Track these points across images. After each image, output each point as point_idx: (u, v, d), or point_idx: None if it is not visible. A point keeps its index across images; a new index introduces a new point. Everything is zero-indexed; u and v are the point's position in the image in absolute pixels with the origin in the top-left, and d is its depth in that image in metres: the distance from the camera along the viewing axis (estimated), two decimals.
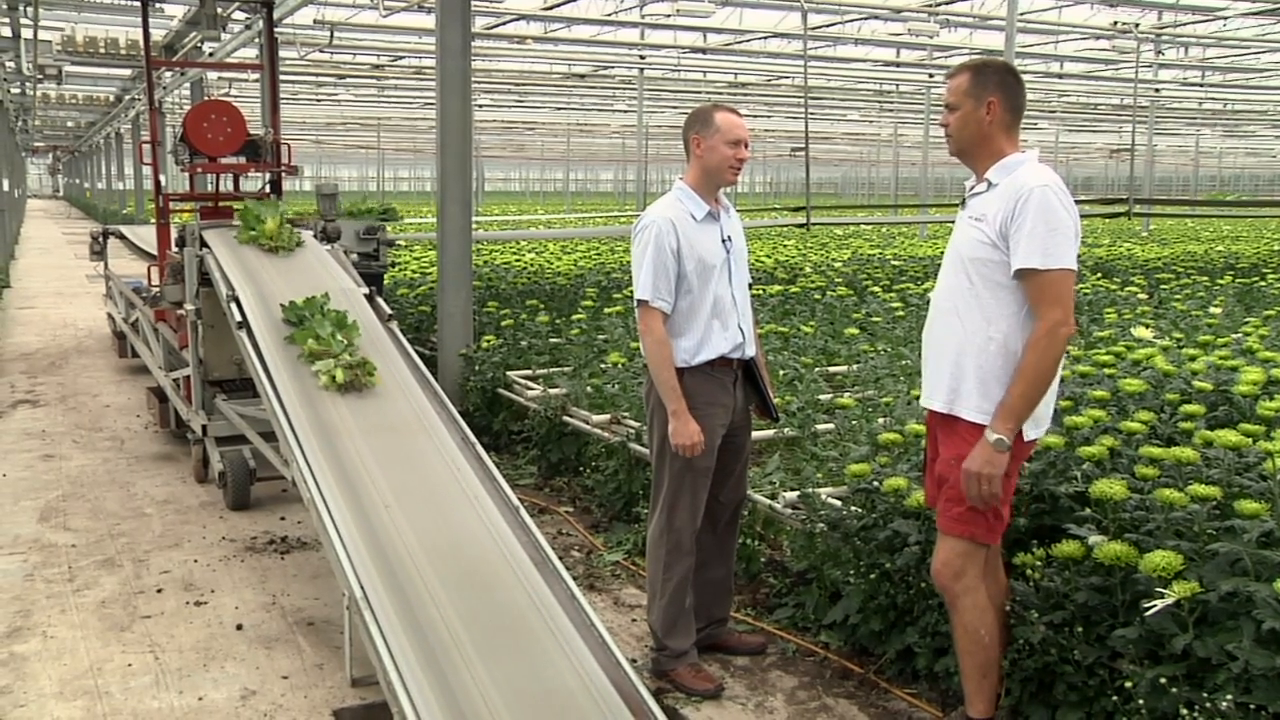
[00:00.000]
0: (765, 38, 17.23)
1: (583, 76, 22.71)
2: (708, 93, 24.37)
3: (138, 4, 7.76)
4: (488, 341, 7.26)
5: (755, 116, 31.86)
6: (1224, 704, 2.67)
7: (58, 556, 5.03)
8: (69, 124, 37.14)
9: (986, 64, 3.16)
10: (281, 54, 12.53)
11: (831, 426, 5.26)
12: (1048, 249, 2.90)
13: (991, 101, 3.05)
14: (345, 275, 5.69)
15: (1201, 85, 23.27)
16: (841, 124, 37.90)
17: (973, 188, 3.15)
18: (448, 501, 3.97)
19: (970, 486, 2.98)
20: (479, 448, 4.36)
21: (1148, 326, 6.86)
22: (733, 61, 20.80)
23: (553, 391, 6.27)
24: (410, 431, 4.40)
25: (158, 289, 7.13)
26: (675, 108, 29.07)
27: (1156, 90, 22.91)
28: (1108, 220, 23.78)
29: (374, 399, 4.56)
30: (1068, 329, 2.92)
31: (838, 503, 4.14)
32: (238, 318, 5.05)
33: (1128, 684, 2.91)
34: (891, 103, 28.38)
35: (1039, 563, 3.26)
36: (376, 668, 3.26)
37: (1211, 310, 8.08)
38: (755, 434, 4.49)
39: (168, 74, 18.06)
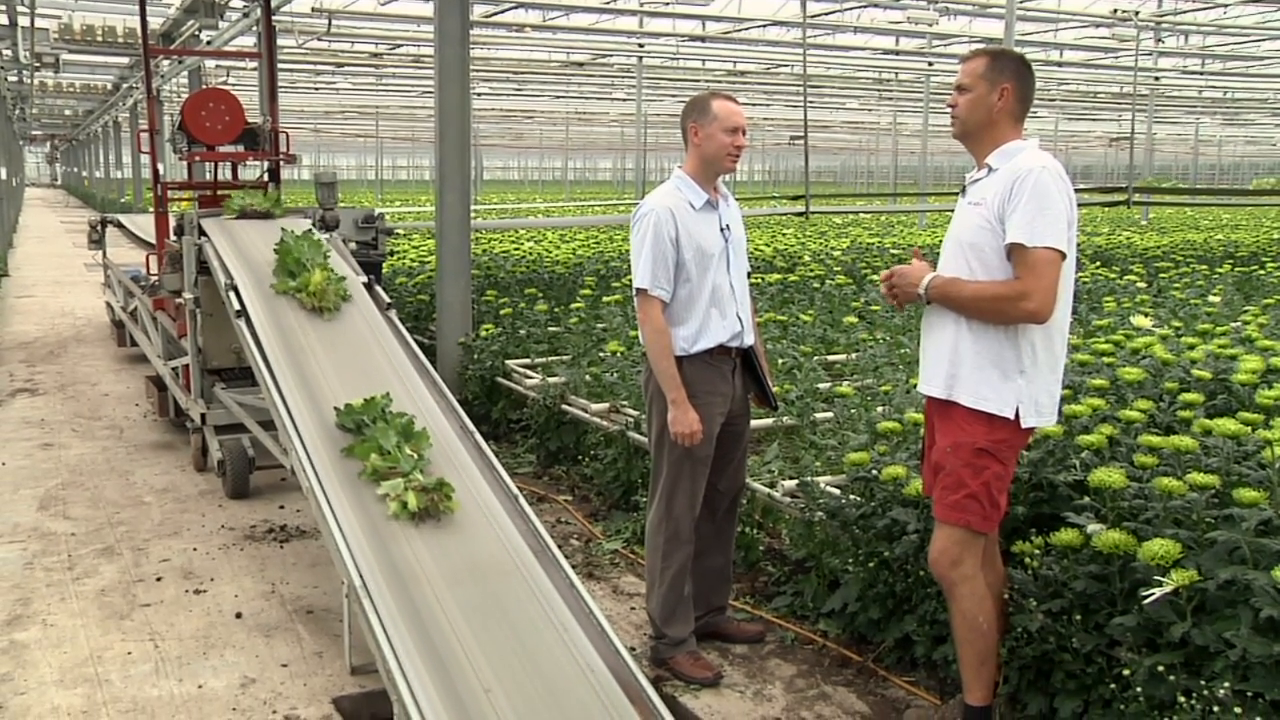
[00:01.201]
0: (764, 25, 17.17)
1: (581, 65, 22.64)
2: (706, 81, 24.31)
3: None
4: (486, 330, 7.26)
5: (754, 105, 31.78)
6: (1221, 691, 2.67)
7: (57, 545, 5.04)
8: (67, 112, 37.05)
9: (1004, 51, 3.19)
10: (279, 42, 12.51)
11: (830, 415, 5.27)
12: (1035, 227, 2.90)
13: (1005, 88, 3.06)
14: (347, 267, 5.68)
15: (1201, 73, 23.21)
16: (840, 112, 37.82)
17: (973, 175, 3.15)
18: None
19: (889, 280, 3.19)
20: (478, 436, 4.36)
21: (1147, 315, 6.85)
22: (731, 49, 20.73)
23: (551, 380, 6.27)
24: None
25: (156, 278, 7.12)
26: (674, 96, 28.98)
27: (1156, 78, 22.87)
28: (1107, 209, 23.77)
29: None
30: (1037, 310, 2.92)
31: (836, 491, 4.14)
32: (236, 306, 5.05)
33: (1126, 672, 2.92)
34: (890, 91, 28.30)
35: (1037, 551, 3.26)
36: (375, 656, 3.26)
37: (1210, 299, 8.07)
38: (754, 422, 4.49)
39: (165, 62, 17.99)
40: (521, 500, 3.98)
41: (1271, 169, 65.48)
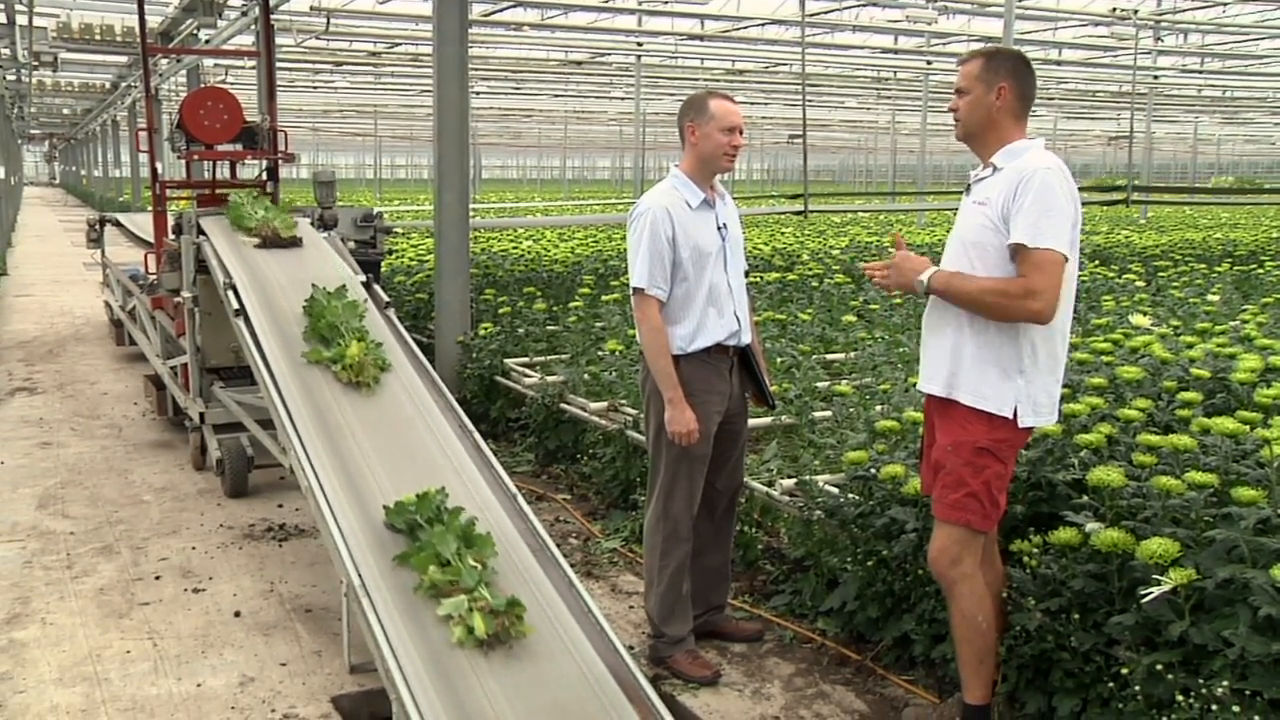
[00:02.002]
0: (763, 24, 17.17)
1: (580, 63, 22.63)
2: (705, 79, 24.30)
3: None
4: (485, 329, 7.26)
5: (753, 104, 31.79)
6: (1220, 690, 2.68)
7: (56, 544, 5.04)
8: (65, 111, 37.02)
9: (1000, 51, 3.18)
10: (278, 41, 12.50)
11: (829, 414, 5.27)
12: (1039, 228, 2.90)
13: (1002, 87, 3.05)
14: (344, 265, 5.68)
15: (1201, 72, 23.21)
16: (839, 111, 37.80)
17: (978, 174, 3.15)
18: (446, 489, 3.96)
19: (882, 270, 3.19)
20: (476, 435, 4.36)
21: (1145, 314, 6.86)
22: (730, 48, 20.73)
23: (550, 379, 6.27)
24: (408, 420, 4.39)
25: (155, 277, 7.12)
26: (673, 95, 28.97)
27: (1155, 77, 22.84)
28: (1105, 207, 23.76)
29: (374, 397, 4.53)
30: (1041, 310, 2.91)
31: (835, 490, 4.14)
32: (235, 305, 5.04)
33: (1124, 670, 2.92)
34: (889, 90, 28.30)
35: (1036, 550, 3.26)
36: (374, 655, 3.26)
37: (1209, 298, 8.07)
38: (752, 421, 4.50)
39: (164, 61, 17.99)
40: (520, 499, 3.98)
41: (1270, 167, 65.49)
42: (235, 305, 5.04)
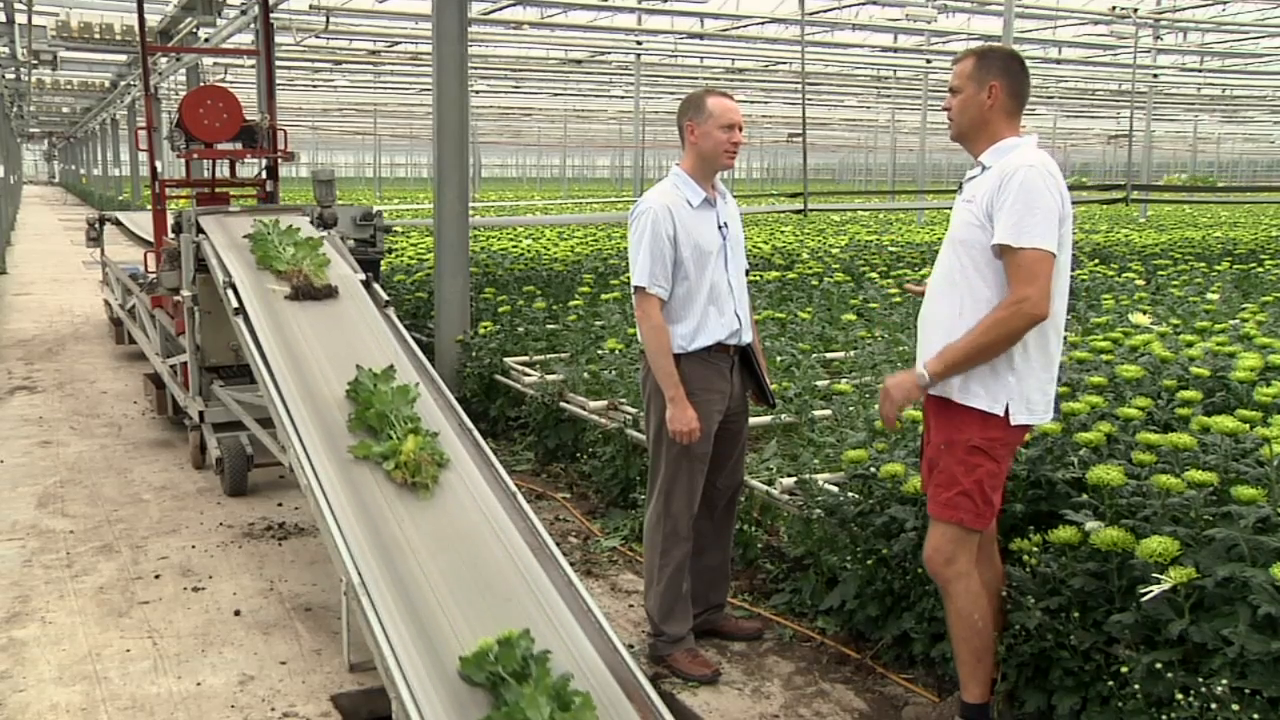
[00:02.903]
0: (762, 23, 17.17)
1: (579, 62, 22.63)
2: (705, 78, 24.29)
3: None
4: (485, 328, 7.26)
5: (752, 102, 31.80)
6: (1219, 688, 2.68)
7: (56, 542, 5.04)
8: (64, 110, 37.00)
9: (992, 49, 3.17)
10: (277, 39, 12.50)
11: (829, 412, 5.27)
12: (1023, 227, 2.89)
13: (993, 86, 3.05)
14: (342, 263, 5.68)
15: (1200, 70, 23.21)
16: (839, 110, 37.82)
17: (970, 172, 3.15)
18: (445, 488, 3.97)
19: (881, 402, 3.15)
20: (476, 434, 4.35)
21: (1145, 312, 6.86)
22: (730, 47, 20.73)
23: (550, 378, 6.26)
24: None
25: (154, 275, 7.12)
26: (672, 93, 28.98)
27: (1155, 75, 22.85)
28: (1105, 206, 23.77)
29: None
30: (1037, 310, 2.90)
31: (835, 488, 4.14)
32: (234, 304, 5.04)
33: (1124, 669, 2.92)
34: (889, 88, 28.30)
35: (1035, 548, 3.26)
36: (374, 653, 3.26)
37: (1209, 296, 8.08)
38: (752, 420, 4.49)
39: (163, 60, 17.98)
40: (520, 498, 3.98)
41: (1270, 166, 65.48)
42: (234, 304, 5.02)
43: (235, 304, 5.04)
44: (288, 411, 4.29)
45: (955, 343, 3.00)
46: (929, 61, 21.79)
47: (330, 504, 3.78)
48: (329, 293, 5.13)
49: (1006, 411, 3.01)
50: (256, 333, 4.83)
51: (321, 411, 4.31)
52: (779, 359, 6.21)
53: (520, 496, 3.99)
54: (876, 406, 4.94)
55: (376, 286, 5.44)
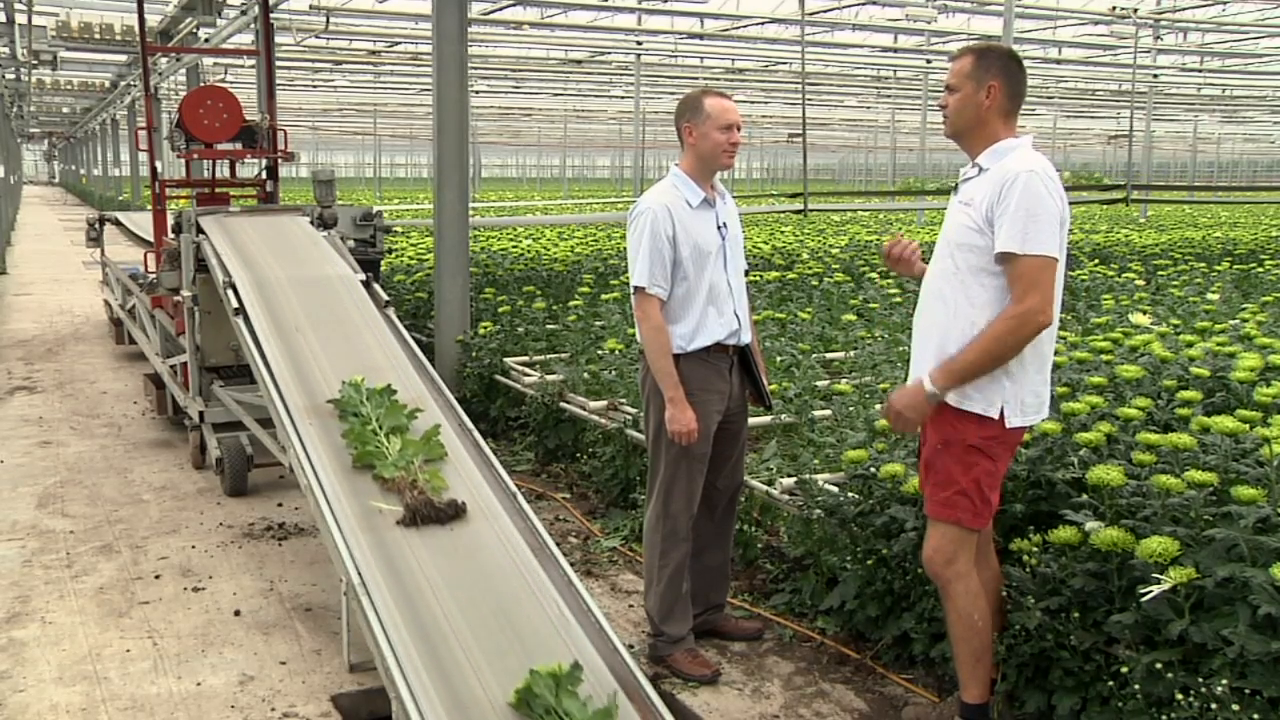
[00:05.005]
0: (762, 23, 17.17)
1: (579, 62, 22.63)
2: (705, 78, 24.29)
3: None
4: (485, 328, 7.26)
5: (752, 102, 31.80)
6: (1219, 689, 2.68)
7: (56, 543, 5.04)
8: (64, 110, 37.02)
9: (990, 48, 3.16)
10: (277, 39, 12.49)
11: (828, 412, 5.27)
12: (1027, 234, 2.89)
13: (992, 85, 3.04)
14: (342, 263, 5.68)
15: (1200, 70, 23.21)
16: (839, 110, 37.82)
17: (965, 173, 3.15)
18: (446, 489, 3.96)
19: (892, 418, 3.13)
20: (476, 434, 4.36)
21: (1145, 313, 6.86)
22: (730, 47, 20.74)
23: (549, 378, 6.26)
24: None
25: (154, 275, 7.12)
26: (672, 93, 28.95)
27: (1155, 75, 22.85)
28: (1105, 206, 23.76)
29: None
30: (1043, 317, 2.91)
31: (834, 489, 4.14)
32: (234, 304, 5.04)
33: (1124, 669, 2.92)
34: (889, 88, 28.30)
35: (1035, 548, 3.26)
36: (374, 653, 3.26)
37: (1209, 296, 8.08)
38: (752, 420, 4.49)
39: (163, 60, 17.98)
40: (520, 498, 3.98)
41: (1270, 166, 65.46)
42: (235, 304, 5.02)
43: (235, 304, 5.04)
44: (288, 412, 4.29)
45: (962, 354, 2.98)
46: (929, 62, 21.79)
47: (330, 504, 3.78)
48: (455, 513, 3.76)
49: (1001, 414, 3.01)
50: (256, 333, 4.83)
51: (321, 411, 4.30)
52: (779, 359, 6.20)
53: (520, 496, 3.99)
54: (877, 407, 4.97)
55: (376, 286, 5.45)
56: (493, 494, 3.97)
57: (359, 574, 3.45)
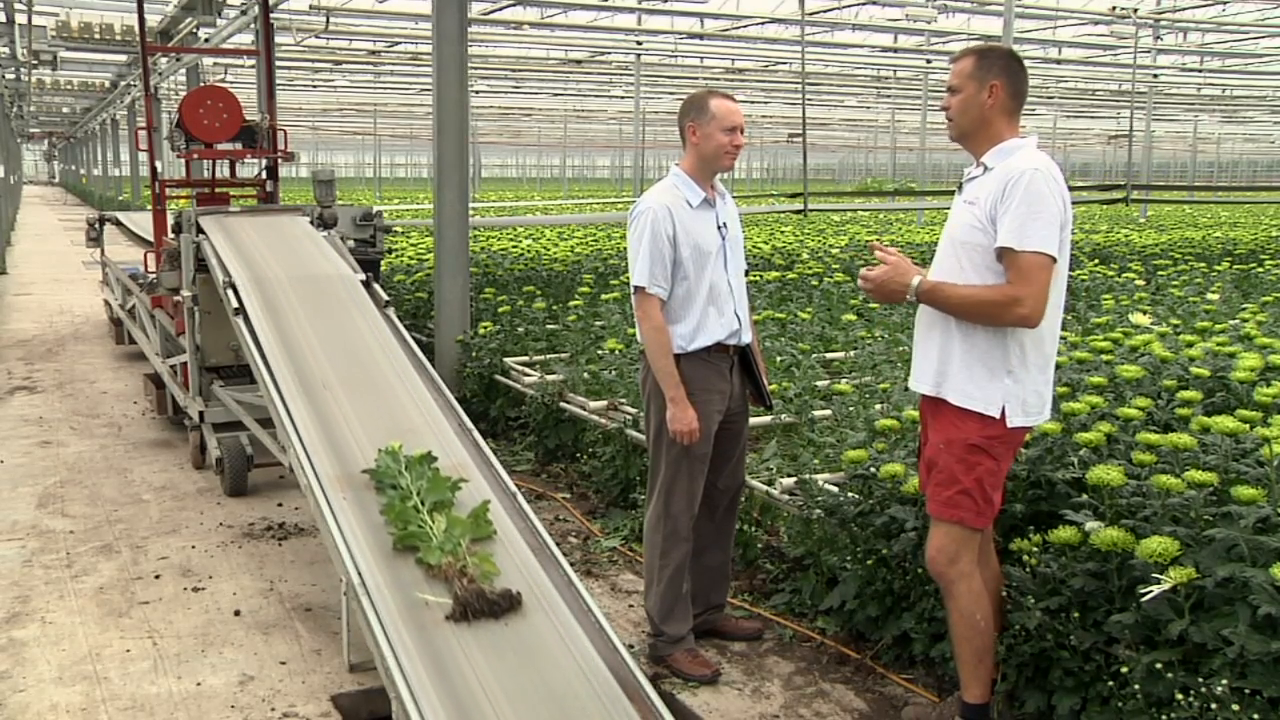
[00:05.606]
0: (763, 23, 17.17)
1: (579, 62, 22.63)
2: (705, 78, 24.29)
3: None
4: (485, 328, 7.26)
5: (752, 102, 31.78)
6: (1219, 689, 2.68)
7: (56, 542, 5.03)
8: (64, 110, 37.01)
9: (991, 49, 3.16)
10: (277, 39, 12.49)
11: (828, 412, 5.27)
12: (1025, 231, 2.90)
13: (994, 85, 3.05)
14: (342, 263, 5.68)
15: (1200, 70, 23.21)
16: (839, 110, 37.81)
17: (970, 172, 3.15)
18: None
19: (872, 289, 3.15)
20: (476, 434, 4.36)
21: (1145, 313, 6.86)
22: (730, 47, 20.73)
23: (550, 378, 6.26)
24: (411, 423, 4.38)
25: (154, 275, 7.12)
26: (672, 93, 28.99)
27: (1155, 75, 22.85)
28: (1105, 206, 23.76)
29: (374, 395, 4.53)
30: (1027, 313, 2.91)
31: (835, 489, 4.14)
32: (234, 304, 5.04)
33: (1124, 669, 2.92)
34: (889, 88, 28.30)
35: (1035, 548, 3.26)
36: (374, 654, 3.26)
37: (1209, 296, 8.08)
38: (752, 420, 4.49)
39: (163, 60, 17.98)
40: (520, 498, 3.98)
41: (1270, 166, 65.47)
42: (235, 304, 5.02)
43: (235, 304, 5.04)
44: (288, 411, 4.29)
45: (955, 287, 3.02)
46: (929, 61, 21.79)
47: (330, 504, 3.78)
48: (510, 605, 3.42)
49: (1003, 414, 3.01)
50: (256, 333, 4.83)
51: (322, 412, 4.31)
52: (779, 359, 6.21)
53: (520, 496, 3.99)
54: (877, 406, 4.97)
55: (376, 286, 5.45)
56: (493, 494, 3.95)
57: (359, 573, 3.44)
